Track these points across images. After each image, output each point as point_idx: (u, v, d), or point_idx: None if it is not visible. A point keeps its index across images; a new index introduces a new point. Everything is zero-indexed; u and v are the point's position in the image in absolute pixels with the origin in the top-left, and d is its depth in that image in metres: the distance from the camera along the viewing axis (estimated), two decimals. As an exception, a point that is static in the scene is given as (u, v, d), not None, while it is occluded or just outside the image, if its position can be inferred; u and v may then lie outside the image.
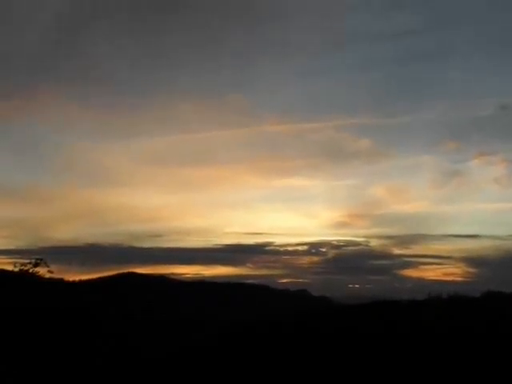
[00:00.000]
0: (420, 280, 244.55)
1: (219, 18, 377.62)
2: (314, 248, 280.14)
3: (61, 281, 64.95)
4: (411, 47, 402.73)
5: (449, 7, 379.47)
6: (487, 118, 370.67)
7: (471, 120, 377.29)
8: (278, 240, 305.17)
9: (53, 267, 39.80)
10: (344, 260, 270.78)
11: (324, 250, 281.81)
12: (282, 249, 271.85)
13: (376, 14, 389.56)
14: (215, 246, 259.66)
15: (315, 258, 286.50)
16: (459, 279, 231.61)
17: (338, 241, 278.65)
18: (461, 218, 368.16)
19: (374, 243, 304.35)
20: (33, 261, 38.86)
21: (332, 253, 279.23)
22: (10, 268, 38.30)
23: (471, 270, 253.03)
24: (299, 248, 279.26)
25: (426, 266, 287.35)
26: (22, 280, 37.00)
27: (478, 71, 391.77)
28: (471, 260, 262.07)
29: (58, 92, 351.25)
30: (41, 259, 39.34)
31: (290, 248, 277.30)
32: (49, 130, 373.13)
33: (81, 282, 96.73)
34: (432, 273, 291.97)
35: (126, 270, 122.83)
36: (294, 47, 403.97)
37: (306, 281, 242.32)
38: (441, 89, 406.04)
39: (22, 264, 38.13)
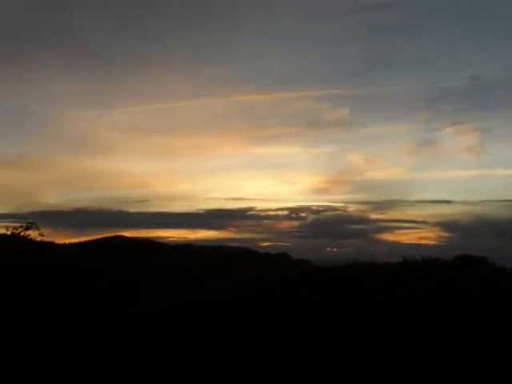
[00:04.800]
0: (395, 243, 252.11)
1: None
2: (294, 213, 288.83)
3: (52, 243, 66.51)
4: (385, 19, 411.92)
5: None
6: (460, 89, 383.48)
7: (444, 90, 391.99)
8: (260, 205, 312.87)
9: (43, 231, 41.32)
10: (323, 224, 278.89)
11: (304, 214, 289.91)
12: (263, 213, 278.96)
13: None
14: (198, 211, 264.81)
15: (295, 223, 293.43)
16: (433, 242, 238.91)
17: (318, 206, 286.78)
18: (434, 184, 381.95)
19: (351, 208, 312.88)
20: (24, 224, 40.39)
21: (311, 217, 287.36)
22: (2, 231, 39.89)
23: (444, 234, 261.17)
24: (279, 213, 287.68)
25: (401, 231, 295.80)
26: (15, 242, 38.54)
27: (450, 42, 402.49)
28: (444, 224, 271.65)
29: (43, 62, 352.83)
30: (32, 223, 40.85)
31: (271, 213, 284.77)
32: (35, 100, 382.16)
33: (71, 244, 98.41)
34: (407, 237, 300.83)
35: (114, 233, 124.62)
36: (273, 18, 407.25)
37: (286, 244, 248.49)
38: (415, 59, 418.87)
39: (14, 228, 39.63)
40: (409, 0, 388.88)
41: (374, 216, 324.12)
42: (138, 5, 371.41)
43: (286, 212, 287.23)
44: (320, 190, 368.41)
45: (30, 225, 41.01)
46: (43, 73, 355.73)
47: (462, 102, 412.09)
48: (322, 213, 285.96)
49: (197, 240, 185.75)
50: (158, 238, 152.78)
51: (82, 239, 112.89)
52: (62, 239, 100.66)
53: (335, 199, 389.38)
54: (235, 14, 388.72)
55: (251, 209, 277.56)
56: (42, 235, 42.39)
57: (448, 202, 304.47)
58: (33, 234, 41.51)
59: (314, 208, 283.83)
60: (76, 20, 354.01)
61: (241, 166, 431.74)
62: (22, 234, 40.64)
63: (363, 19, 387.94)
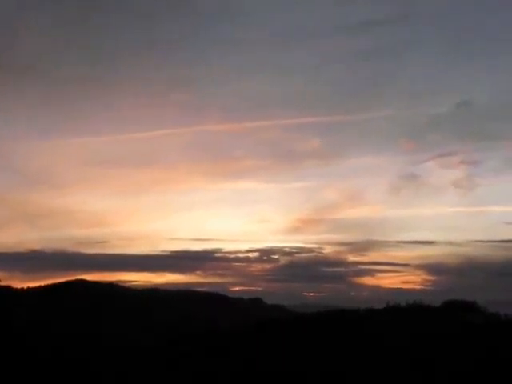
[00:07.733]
0: (377, 288, 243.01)
1: (162, 16, 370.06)
2: (266, 255, 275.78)
3: (8, 288, 62.43)
4: (365, 44, 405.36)
5: (407, 3, 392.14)
6: (444, 116, 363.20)
7: (427, 118, 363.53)
8: (227, 246, 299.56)
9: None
10: (297, 267, 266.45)
11: (276, 256, 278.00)
12: (231, 256, 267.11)
13: (331, 8, 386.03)
14: (162, 253, 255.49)
15: (267, 266, 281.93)
16: (418, 287, 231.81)
17: (290, 247, 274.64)
18: (416, 223, 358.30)
19: (327, 250, 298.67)
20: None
21: (284, 260, 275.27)
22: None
23: (430, 277, 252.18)
24: (250, 255, 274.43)
25: (382, 274, 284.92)
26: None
27: (434, 68, 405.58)
28: (429, 267, 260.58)
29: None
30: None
31: (240, 255, 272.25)
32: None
33: (28, 290, 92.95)
34: (389, 280, 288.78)
35: (73, 277, 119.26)
36: (242, 44, 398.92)
37: (259, 289, 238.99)
38: (396, 86, 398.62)
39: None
40: (393, 23, 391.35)
41: (352, 258, 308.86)
42: (97, 32, 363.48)
43: (256, 254, 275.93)
44: (293, 230, 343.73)
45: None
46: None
47: (447, 131, 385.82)
48: (296, 255, 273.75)
49: (163, 284, 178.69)
50: (119, 281, 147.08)
51: (41, 283, 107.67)
52: (18, 283, 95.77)
53: (309, 240, 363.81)
54: (201, 36, 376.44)
55: (218, 250, 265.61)
56: (-1, 280, 39.31)
57: (432, 242, 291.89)
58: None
59: (287, 250, 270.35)
60: (31, 42, 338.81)
61: (206, 202, 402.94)
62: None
63: (340, 42, 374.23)
